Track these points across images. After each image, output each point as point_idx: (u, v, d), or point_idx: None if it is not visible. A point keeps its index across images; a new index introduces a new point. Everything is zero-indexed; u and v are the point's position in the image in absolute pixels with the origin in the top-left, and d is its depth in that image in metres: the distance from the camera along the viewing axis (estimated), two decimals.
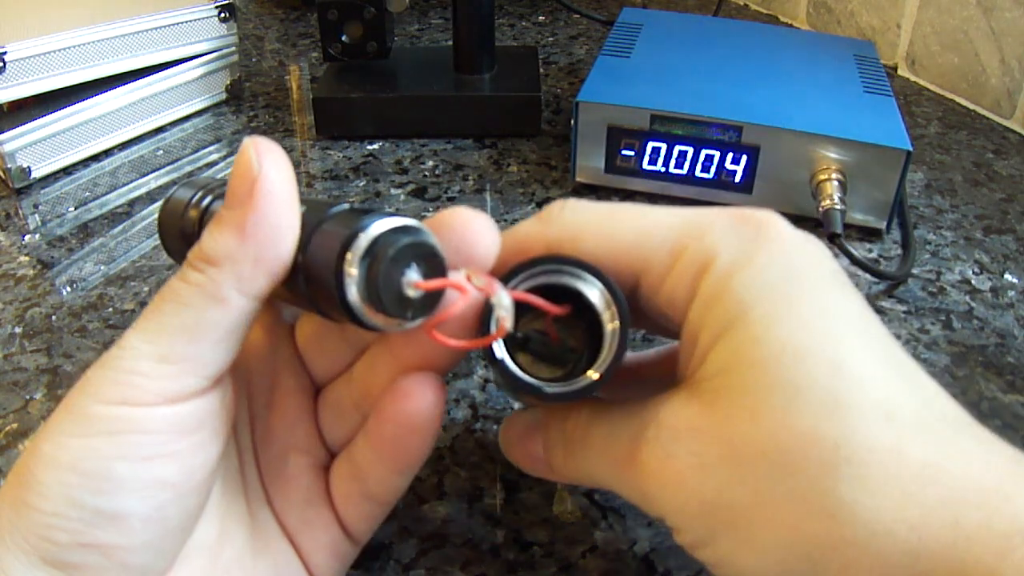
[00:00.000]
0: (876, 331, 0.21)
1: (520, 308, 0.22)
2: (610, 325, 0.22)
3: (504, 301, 0.21)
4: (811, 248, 0.22)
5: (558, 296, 0.22)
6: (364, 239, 0.20)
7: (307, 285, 0.21)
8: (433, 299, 0.21)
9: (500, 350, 0.22)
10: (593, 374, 0.22)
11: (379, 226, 0.20)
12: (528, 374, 0.22)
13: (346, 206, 0.22)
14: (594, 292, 0.22)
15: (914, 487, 0.18)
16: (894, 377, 0.20)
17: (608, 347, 0.22)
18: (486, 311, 0.22)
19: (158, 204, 0.51)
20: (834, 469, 0.18)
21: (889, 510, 0.18)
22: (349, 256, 0.20)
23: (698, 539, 0.21)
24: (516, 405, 0.35)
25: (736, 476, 0.19)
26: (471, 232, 0.22)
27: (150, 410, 0.20)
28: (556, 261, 0.22)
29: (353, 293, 0.20)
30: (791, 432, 0.19)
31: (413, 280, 0.20)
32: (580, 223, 0.23)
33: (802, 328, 0.20)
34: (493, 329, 0.21)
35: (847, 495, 0.18)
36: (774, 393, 0.19)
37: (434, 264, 0.21)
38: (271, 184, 0.20)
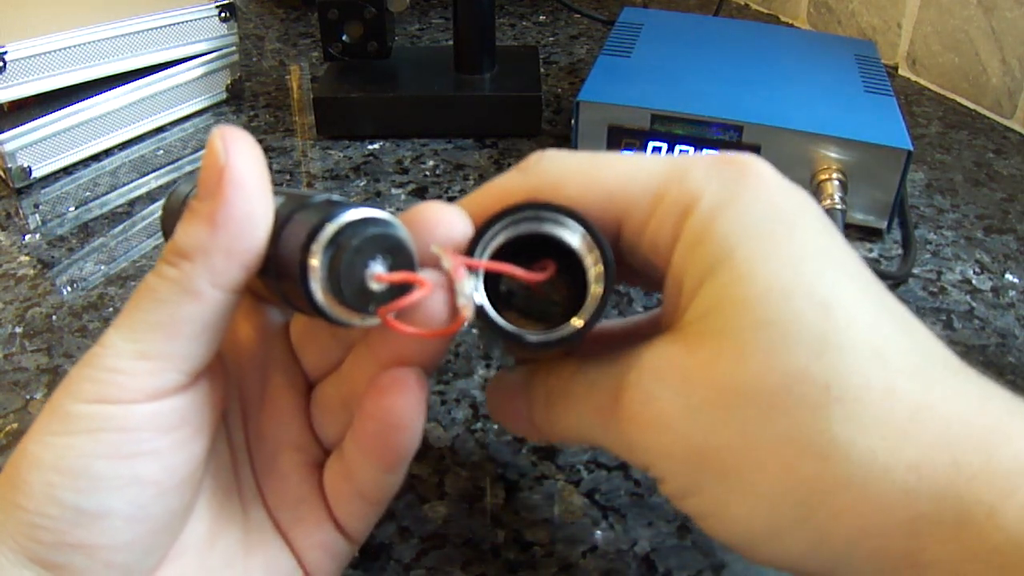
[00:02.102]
0: (865, 274, 0.20)
1: (505, 259, 0.21)
2: (594, 269, 0.21)
3: (465, 290, 0.20)
4: (795, 191, 0.21)
5: (538, 250, 0.22)
6: (330, 228, 0.19)
7: (277, 278, 0.21)
8: (398, 293, 0.20)
9: (481, 297, 0.21)
10: (577, 321, 0.21)
11: (347, 216, 0.20)
12: None
13: (324, 197, 0.21)
14: (575, 238, 0.21)
15: (910, 427, 0.18)
16: (885, 320, 0.19)
17: (592, 293, 0.21)
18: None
19: (159, 204, 0.51)
20: (825, 409, 0.18)
21: (885, 450, 0.18)
22: (314, 247, 0.19)
23: (685, 487, 0.20)
24: None
25: (724, 418, 0.19)
26: (444, 225, 0.21)
27: (130, 407, 0.20)
28: (535, 207, 0.21)
29: (316, 284, 0.19)
30: (779, 372, 0.18)
31: (376, 272, 0.20)
32: (560, 170, 0.23)
33: (789, 268, 0.19)
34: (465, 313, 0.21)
35: (840, 435, 0.18)
36: (761, 333, 0.19)
37: (402, 257, 0.20)
38: (239, 174, 0.20)
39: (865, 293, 0.20)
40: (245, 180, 0.20)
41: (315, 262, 0.19)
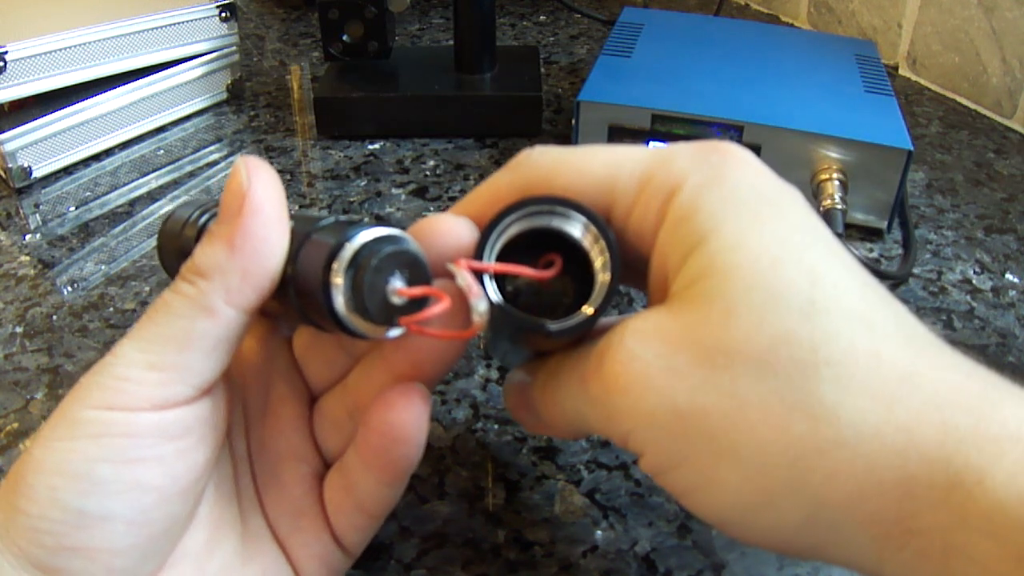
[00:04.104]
0: (846, 254, 0.21)
1: (510, 256, 0.22)
2: (599, 259, 0.22)
3: (479, 307, 0.21)
4: (776, 177, 0.22)
5: (541, 244, 0.22)
6: (349, 249, 0.20)
7: (297, 296, 0.22)
8: (417, 305, 0.22)
9: (495, 294, 0.22)
10: (588, 309, 0.21)
11: (363, 236, 0.21)
12: None
13: (332, 219, 0.22)
14: (577, 228, 0.22)
15: (899, 390, 0.18)
16: (870, 293, 0.20)
17: (600, 281, 0.22)
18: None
19: (159, 204, 0.51)
20: (813, 370, 0.18)
21: (875, 411, 0.18)
22: (335, 266, 0.20)
23: (669, 458, 0.20)
24: None
25: (710, 380, 0.19)
26: (452, 236, 0.22)
27: (136, 415, 0.20)
28: (535, 202, 0.22)
29: (340, 302, 0.20)
30: (768, 334, 0.18)
31: (397, 287, 0.21)
32: (548, 164, 0.23)
33: (777, 240, 0.20)
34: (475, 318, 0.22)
35: (828, 397, 0.18)
36: (749, 297, 0.19)
37: (417, 271, 0.21)
38: (259, 201, 0.21)
39: (849, 269, 0.20)
40: (264, 207, 0.21)
41: (338, 281, 0.20)
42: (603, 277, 0.22)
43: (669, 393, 0.19)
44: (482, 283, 0.22)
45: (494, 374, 0.37)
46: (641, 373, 0.20)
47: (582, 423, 0.23)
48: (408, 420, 0.23)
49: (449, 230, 0.22)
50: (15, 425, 0.34)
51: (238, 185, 0.21)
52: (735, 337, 0.19)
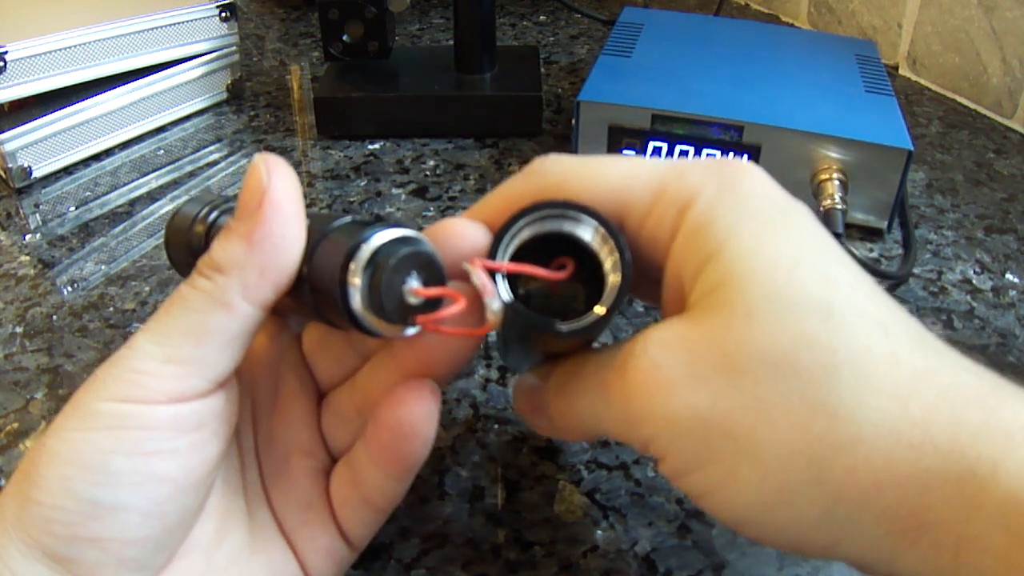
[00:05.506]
0: (855, 264, 0.21)
1: (523, 261, 0.22)
2: (609, 260, 0.22)
3: (493, 306, 0.21)
4: (785, 193, 0.22)
5: (551, 249, 0.22)
6: (366, 250, 0.21)
7: (312, 294, 0.22)
8: (433, 305, 0.22)
9: (507, 294, 0.22)
10: (600, 309, 0.22)
11: (380, 237, 0.21)
12: None
13: (349, 218, 0.23)
14: (588, 232, 0.22)
15: (914, 387, 0.18)
16: (879, 298, 0.20)
17: (611, 282, 0.22)
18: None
19: (159, 203, 0.51)
20: (833, 371, 0.18)
21: (891, 408, 0.18)
22: (352, 266, 0.21)
23: (690, 461, 0.20)
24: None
25: (732, 384, 0.19)
26: (468, 240, 0.23)
27: (152, 408, 0.21)
28: (548, 206, 0.22)
29: (357, 301, 0.21)
30: (788, 336, 0.19)
31: (413, 287, 0.21)
32: (562, 171, 0.23)
33: (791, 246, 0.20)
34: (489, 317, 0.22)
35: (848, 396, 0.18)
36: (768, 302, 0.19)
37: (433, 272, 0.22)
38: (278, 198, 0.21)
39: (858, 275, 0.21)
40: (283, 204, 0.21)
41: (356, 281, 0.21)
42: (613, 278, 0.22)
43: (692, 399, 0.20)
44: (495, 283, 0.22)
45: (494, 374, 0.37)
46: (664, 380, 0.20)
47: (598, 427, 0.23)
48: (417, 416, 0.23)
49: (464, 232, 0.23)
50: (15, 425, 0.34)
51: (257, 182, 0.21)
52: (756, 342, 0.19)
